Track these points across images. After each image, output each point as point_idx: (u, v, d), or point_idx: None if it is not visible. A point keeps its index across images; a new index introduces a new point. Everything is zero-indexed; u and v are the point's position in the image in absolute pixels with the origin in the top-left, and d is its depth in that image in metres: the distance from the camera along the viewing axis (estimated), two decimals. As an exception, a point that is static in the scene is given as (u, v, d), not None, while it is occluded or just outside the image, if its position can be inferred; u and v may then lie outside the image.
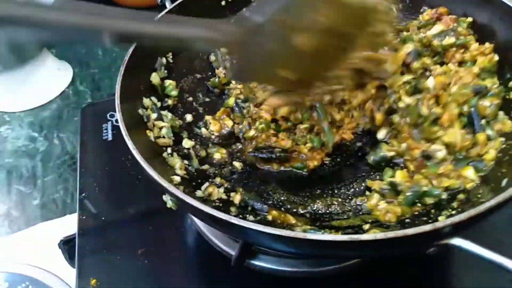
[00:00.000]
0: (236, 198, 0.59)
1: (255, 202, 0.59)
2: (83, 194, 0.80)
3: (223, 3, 0.82)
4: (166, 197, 0.53)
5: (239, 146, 0.71)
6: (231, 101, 0.76)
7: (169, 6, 0.76)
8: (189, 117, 0.73)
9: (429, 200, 0.55)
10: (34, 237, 0.87)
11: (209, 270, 0.68)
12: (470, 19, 0.71)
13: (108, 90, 1.17)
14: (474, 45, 0.67)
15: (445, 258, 0.63)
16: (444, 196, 0.54)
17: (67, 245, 0.73)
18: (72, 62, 1.27)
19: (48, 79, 1.17)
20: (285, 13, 0.38)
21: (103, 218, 0.76)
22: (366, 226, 0.53)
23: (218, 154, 0.69)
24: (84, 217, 0.76)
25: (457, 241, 0.41)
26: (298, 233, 0.42)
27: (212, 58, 0.82)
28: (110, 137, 0.91)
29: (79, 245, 0.71)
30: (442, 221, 0.41)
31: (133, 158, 0.61)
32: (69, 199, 0.94)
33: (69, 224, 0.84)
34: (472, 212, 0.41)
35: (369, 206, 0.58)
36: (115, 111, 0.95)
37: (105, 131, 0.92)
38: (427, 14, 0.75)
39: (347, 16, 0.39)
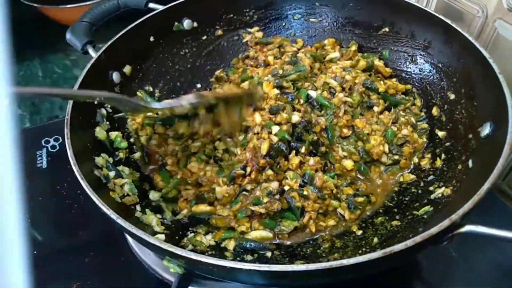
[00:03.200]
0: (230, 244, 0.57)
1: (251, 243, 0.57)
2: (11, 228, 0.67)
3: (151, 39, 0.78)
4: (167, 262, 0.47)
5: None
6: None
7: (94, 54, 0.69)
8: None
9: None
10: None
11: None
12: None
13: (49, 113, 1.04)
14: None
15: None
16: None
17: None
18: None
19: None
20: None
21: (34, 252, 0.66)
22: None
23: None
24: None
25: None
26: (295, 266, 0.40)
27: None
28: (44, 165, 0.80)
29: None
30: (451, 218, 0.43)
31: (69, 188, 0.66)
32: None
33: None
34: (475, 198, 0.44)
35: None
36: (50, 137, 0.85)
37: (39, 158, 0.82)
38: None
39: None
